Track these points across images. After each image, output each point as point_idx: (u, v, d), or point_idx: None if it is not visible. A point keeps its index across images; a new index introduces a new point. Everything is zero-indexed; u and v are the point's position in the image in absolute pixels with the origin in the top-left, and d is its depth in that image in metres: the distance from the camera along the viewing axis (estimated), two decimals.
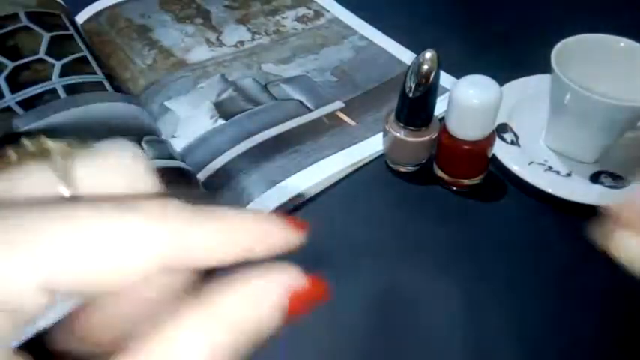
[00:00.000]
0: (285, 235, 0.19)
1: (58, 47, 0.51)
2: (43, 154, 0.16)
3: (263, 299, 0.16)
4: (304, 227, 0.19)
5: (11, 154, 0.17)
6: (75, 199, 0.15)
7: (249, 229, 0.17)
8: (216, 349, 0.14)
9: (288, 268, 0.17)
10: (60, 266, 0.14)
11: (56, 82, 0.47)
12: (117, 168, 0.17)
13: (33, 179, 0.16)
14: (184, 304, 0.15)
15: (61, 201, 0.15)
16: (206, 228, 0.16)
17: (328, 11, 0.63)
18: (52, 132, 0.42)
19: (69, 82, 0.47)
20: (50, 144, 0.17)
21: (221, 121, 0.48)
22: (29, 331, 0.16)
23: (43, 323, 0.16)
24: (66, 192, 0.16)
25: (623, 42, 0.44)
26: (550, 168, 0.44)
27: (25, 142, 0.17)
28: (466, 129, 0.40)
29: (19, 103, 0.44)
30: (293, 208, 0.43)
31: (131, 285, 0.15)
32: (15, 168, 0.16)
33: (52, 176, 0.16)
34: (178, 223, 0.15)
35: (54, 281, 0.14)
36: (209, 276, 0.16)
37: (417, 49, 0.41)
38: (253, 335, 0.15)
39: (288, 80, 0.53)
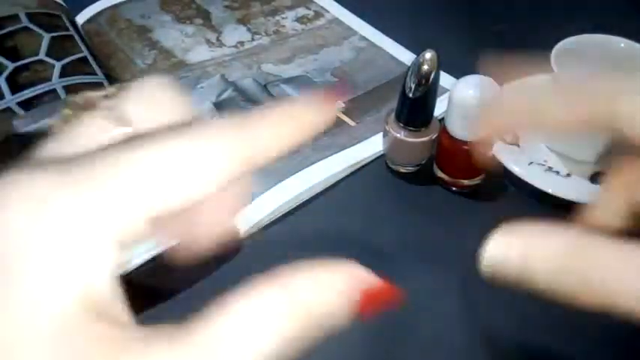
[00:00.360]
0: (325, 111, 0.19)
1: (58, 48, 0.51)
2: (92, 105, 0.17)
3: (337, 289, 0.15)
4: (340, 95, 0.19)
5: (66, 111, 0.17)
6: (139, 135, 0.16)
7: (296, 116, 0.17)
8: (285, 332, 0.14)
9: (359, 267, 0.17)
10: (157, 193, 0.14)
11: (56, 82, 0.47)
12: (161, 100, 0.18)
13: (94, 128, 0.16)
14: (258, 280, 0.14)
15: (131, 139, 0.15)
16: (259, 126, 0.16)
17: (328, 12, 0.63)
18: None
19: (69, 82, 0.47)
20: (93, 94, 0.18)
21: None
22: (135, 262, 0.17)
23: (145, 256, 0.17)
24: (128, 129, 0.16)
25: (623, 42, 0.44)
26: (550, 168, 0.44)
27: (72, 98, 0.18)
28: (466, 129, 0.40)
29: (19, 104, 0.45)
30: (293, 208, 0.43)
31: (215, 192, 0.15)
32: (74, 123, 0.17)
33: (110, 121, 0.16)
34: (233, 131, 0.16)
35: (156, 207, 0.14)
36: None
37: (417, 49, 0.41)
38: (322, 324, 0.15)
39: (288, 80, 0.53)
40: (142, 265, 0.36)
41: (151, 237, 0.15)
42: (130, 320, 0.15)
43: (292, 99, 0.17)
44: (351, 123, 0.49)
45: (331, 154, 0.46)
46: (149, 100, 0.18)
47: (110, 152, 0.15)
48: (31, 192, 0.14)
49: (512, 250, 0.19)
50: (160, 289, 0.34)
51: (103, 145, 0.15)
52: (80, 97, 0.17)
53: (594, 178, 0.44)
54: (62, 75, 0.48)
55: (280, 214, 0.42)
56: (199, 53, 0.56)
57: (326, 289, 0.15)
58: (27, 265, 0.13)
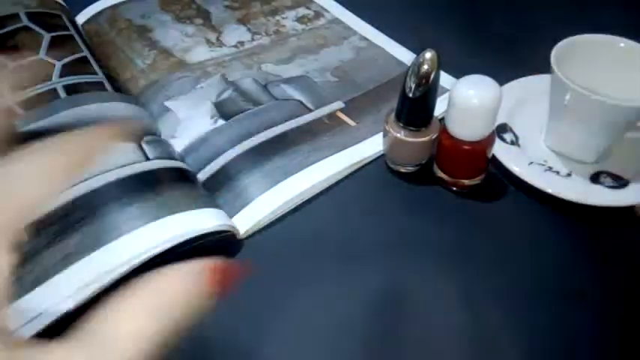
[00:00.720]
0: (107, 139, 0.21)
1: (58, 47, 0.51)
2: None
3: (185, 284, 0.18)
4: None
5: None
6: None
7: (67, 150, 0.20)
8: (143, 334, 0.16)
9: (207, 259, 0.19)
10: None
11: (56, 82, 0.47)
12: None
13: None
14: None
15: None
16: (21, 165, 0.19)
17: (328, 12, 0.63)
18: (53, 132, 0.42)
19: (69, 82, 0.47)
20: None
21: (221, 122, 0.48)
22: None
23: None
24: None
25: (623, 42, 0.44)
26: (550, 168, 0.44)
27: None
28: (466, 129, 0.41)
29: (19, 104, 0.44)
30: (293, 208, 0.43)
31: None
32: None
33: None
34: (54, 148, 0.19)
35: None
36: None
37: (417, 49, 0.41)
38: (180, 319, 0.17)
39: (289, 80, 0.53)
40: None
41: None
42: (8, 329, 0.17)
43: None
44: (351, 123, 0.49)
45: (331, 154, 0.46)
46: None
47: None
48: None
49: None
50: None
51: None
52: None
53: (594, 178, 0.44)
54: (62, 74, 0.48)
55: (280, 214, 0.42)
56: (199, 53, 0.56)
57: (174, 288, 0.18)
58: None
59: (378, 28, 0.60)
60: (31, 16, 0.53)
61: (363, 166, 0.46)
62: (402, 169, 0.46)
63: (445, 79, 0.48)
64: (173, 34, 0.59)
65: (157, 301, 0.17)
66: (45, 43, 0.50)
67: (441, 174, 0.44)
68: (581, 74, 0.41)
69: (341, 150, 0.47)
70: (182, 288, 0.18)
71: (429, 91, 0.40)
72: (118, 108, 0.47)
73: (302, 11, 0.63)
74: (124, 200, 0.38)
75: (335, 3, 0.64)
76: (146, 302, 0.17)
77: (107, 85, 0.49)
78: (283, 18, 0.62)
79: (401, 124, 0.43)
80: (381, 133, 0.46)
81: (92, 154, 0.20)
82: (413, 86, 0.40)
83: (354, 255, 0.40)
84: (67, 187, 0.19)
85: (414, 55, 0.41)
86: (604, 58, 0.44)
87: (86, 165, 0.20)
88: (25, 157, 0.18)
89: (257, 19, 0.62)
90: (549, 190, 0.42)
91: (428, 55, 0.40)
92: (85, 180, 0.39)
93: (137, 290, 0.17)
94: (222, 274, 0.19)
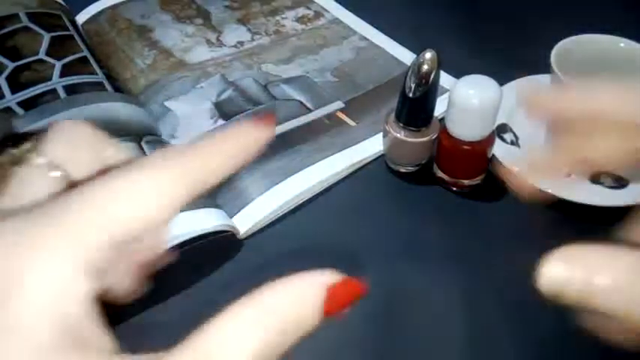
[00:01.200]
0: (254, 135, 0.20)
1: (58, 47, 0.51)
2: (19, 160, 0.19)
3: (304, 299, 0.17)
4: (270, 121, 0.20)
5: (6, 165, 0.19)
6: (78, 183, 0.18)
7: (230, 143, 0.19)
8: (264, 345, 0.16)
9: (325, 271, 0.18)
10: (113, 220, 0.16)
11: (56, 82, 0.47)
12: (79, 140, 0.20)
13: (32, 178, 0.19)
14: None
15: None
16: (199, 154, 0.18)
17: (328, 12, 0.63)
18: None
19: (69, 82, 0.47)
20: (16, 150, 0.19)
21: (221, 122, 0.48)
22: None
23: None
24: (58, 173, 0.19)
25: (623, 42, 0.44)
26: None
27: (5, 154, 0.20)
28: (466, 129, 0.40)
29: (20, 104, 0.45)
30: (293, 209, 0.43)
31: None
32: (11, 180, 0.19)
33: (42, 169, 0.19)
34: (176, 160, 0.17)
35: (115, 233, 0.16)
36: None
37: (417, 49, 0.41)
38: (295, 334, 0.17)
39: (289, 80, 0.53)
40: None
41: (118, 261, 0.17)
42: (109, 345, 0.16)
43: (225, 129, 0.20)
44: (351, 123, 0.49)
45: (331, 154, 0.46)
46: (69, 143, 0.20)
47: (62, 195, 0.17)
48: (3, 238, 0.16)
49: (575, 273, 0.21)
50: (159, 289, 0.34)
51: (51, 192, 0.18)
52: (6, 156, 0.19)
53: (594, 178, 0.44)
54: (62, 74, 0.48)
55: (280, 214, 0.42)
56: (199, 53, 0.56)
57: (294, 302, 0.17)
58: (6, 301, 0.15)
59: (378, 28, 0.60)
60: (31, 16, 0.53)
61: (363, 166, 0.46)
62: (402, 169, 0.46)
63: (445, 79, 0.48)
64: (173, 34, 0.59)
65: (267, 317, 0.16)
66: (45, 43, 0.50)
67: (441, 174, 0.44)
68: (581, 74, 0.41)
69: (341, 150, 0.47)
70: (295, 305, 0.17)
71: (429, 91, 0.40)
72: (118, 108, 0.47)
73: (302, 11, 0.63)
74: None
75: (335, 3, 0.64)
76: (255, 317, 0.16)
77: (107, 85, 0.49)
78: (283, 18, 0.62)
79: (401, 124, 0.43)
80: (381, 133, 0.46)
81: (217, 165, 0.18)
82: (413, 86, 0.40)
83: (353, 255, 0.40)
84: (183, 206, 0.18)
85: (414, 55, 0.41)
86: (604, 58, 0.44)
87: (211, 179, 0.18)
88: (136, 169, 0.17)
89: (257, 19, 0.62)
90: (549, 190, 0.42)
91: (428, 55, 0.40)
92: None
93: (248, 304, 0.16)
94: (340, 294, 0.18)
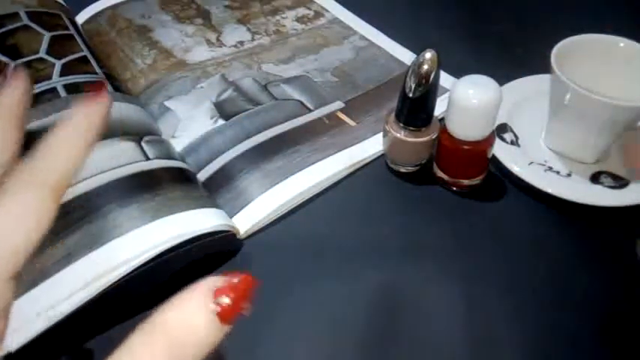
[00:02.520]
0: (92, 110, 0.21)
1: (58, 47, 0.51)
2: None
3: (194, 309, 0.17)
4: (102, 92, 0.22)
5: None
6: None
7: (72, 130, 0.20)
8: None
9: (208, 278, 0.18)
10: None
11: (56, 81, 0.47)
12: None
13: None
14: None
15: None
16: (47, 155, 0.19)
17: (328, 11, 0.63)
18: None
19: (69, 81, 0.47)
20: None
21: (221, 122, 0.48)
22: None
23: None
24: None
25: (623, 42, 0.44)
26: (550, 168, 0.44)
27: None
28: (466, 129, 0.41)
29: None
30: (293, 209, 0.43)
31: None
32: None
33: None
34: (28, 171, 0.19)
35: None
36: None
37: (417, 49, 0.41)
38: (196, 345, 0.17)
39: (289, 80, 0.53)
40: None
41: None
42: None
43: (62, 117, 0.21)
44: (351, 123, 0.49)
45: (331, 154, 0.46)
46: None
47: None
48: None
49: None
50: (159, 289, 0.34)
51: None
52: None
53: (594, 178, 0.44)
54: (63, 73, 0.48)
55: (280, 214, 0.42)
56: (199, 53, 0.56)
57: (186, 315, 0.17)
58: None
59: (378, 28, 0.60)
60: (31, 15, 0.53)
61: (363, 166, 0.46)
62: (402, 169, 0.46)
63: (445, 79, 0.48)
64: (173, 34, 0.59)
65: (171, 340, 0.17)
66: (45, 42, 0.50)
67: (441, 174, 0.44)
68: (581, 74, 0.41)
69: (341, 150, 0.47)
70: (196, 319, 0.17)
71: (429, 91, 0.40)
72: (118, 107, 0.46)
73: (302, 11, 0.63)
74: (123, 200, 0.38)
75: (335, 3, 0.64)
76: (161, 345, 0.17)
77: (107, 85, 0.49)
78: (283, 18, 0.62)
79: (401, 124, 0.43)
80: (381, 133, 0.46)
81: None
82: (413, 86, 0.40)
83: (353, 255, 0.40)
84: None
85: (414, 55, 0.41)
86: (604, 58, 0.44)
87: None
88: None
89: (257, 19, 0.62)
90: (549, 190, 0.42)
91: (428, 55, 0.40)
92: (85, 179, 0.39)
93: (151, 332, 0.17)
94: (230, 293, 0.18)
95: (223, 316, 0.17)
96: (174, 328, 0.17)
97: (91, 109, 0.21)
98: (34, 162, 0.19)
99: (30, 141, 0.20)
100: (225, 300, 0.17)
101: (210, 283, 0.18)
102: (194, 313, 0.17)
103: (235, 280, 0.18)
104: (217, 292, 0.17)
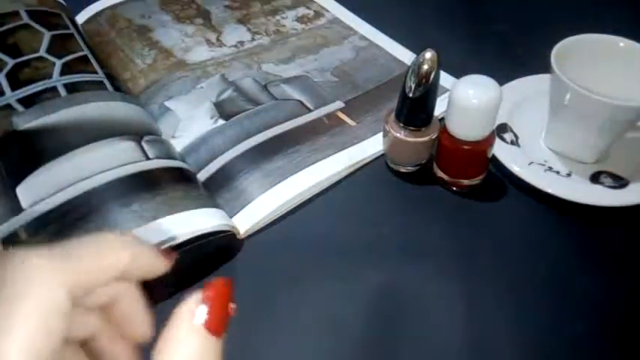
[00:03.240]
0: (153, 260, 0.22)
1: (58, 46, 0.51)
2: None
3: (184, 335, 0.19)
4: (170, 256, 0.23)
5: None
6: None
7: (120, 254, 0.21)
8: None
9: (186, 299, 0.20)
10: None
11: (56, 80, 0.47)
12: None
13: None
14: None
15: None
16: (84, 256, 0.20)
17: (328, 11, 0.63)
18: (52, 130, 0.42)
19: (69, 80, 0.47)
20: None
21: (221, 122, 0.48)
22: None
23: None
24: None
25: (623, 42, 0.44)
26: (550, 168, 0.44)
27: None
28: (466, 129, 0.40)
29: (20, 101, 0.44)
30: (293, 208, 0.43)
31: None
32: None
33: None
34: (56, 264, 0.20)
35: None
36: None
37: (417, 49, 0.41)
38: None
39: (288, 80, 0.53)
40: None
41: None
42: None
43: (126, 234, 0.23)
44: (351, 123, 0.49)
45: (331, 154, 0.46)
46: None
47: None
48: None
49: None
50: (159, 290, 0.34)
51: None
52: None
53: (594, 178, 0.44)
54: (63, 73, 0.48)
55: (280, 214, 0.42)
56: (199, 53, 0.56)
57: (177, 336, 0.19)
58: None
59: (377, 27, 0.60)
60: (32, 14, 0.53)
61: (363, 166, 0.46)
62: (402, 169, 0.46)
63: (445, 79, 0.48)
64: (173, 34, 0.59)
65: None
66: (45, 41, 0.50)
67: (441, 174, 0.44)
68: (581, 74, 0.41)
69: (341, 150, 0.47)
70: (189, 342, 0.19)
71: (429, 91, 0.40)
72: (118, 107, 0.47)
73: (302, 11, 0.63)
74: (123, 199, 0.38)
75: (335, 3, 0.64)
76: None
77: (107, 85, 0.49)
78: (283, 18, 0.62)
79: (401, 124, 0.43)
80: (381, 133, 0.46)
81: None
82: (413, 86, 0.40)
83: (353, 255, 0.40)
84: None
85: (414, 55, 0.41)
86: (604, 58, 0.44)
87: None
88: None
89: (257, 19, 0.62)
90: (549, 190, 0.42)
91: (428, 55, 0.40)
92: (85, 179, 0.39)
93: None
94: (211, 301, 0.19)
95: (211, 327, 0.19)
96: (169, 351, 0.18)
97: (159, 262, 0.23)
98: None
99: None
100: (204, 312, 0.19)
101: (188, 305, 0.19)
102: (185, 338, 0.18)
103: (207, 290, 0.19)
104: (196, 309, 0.19)
